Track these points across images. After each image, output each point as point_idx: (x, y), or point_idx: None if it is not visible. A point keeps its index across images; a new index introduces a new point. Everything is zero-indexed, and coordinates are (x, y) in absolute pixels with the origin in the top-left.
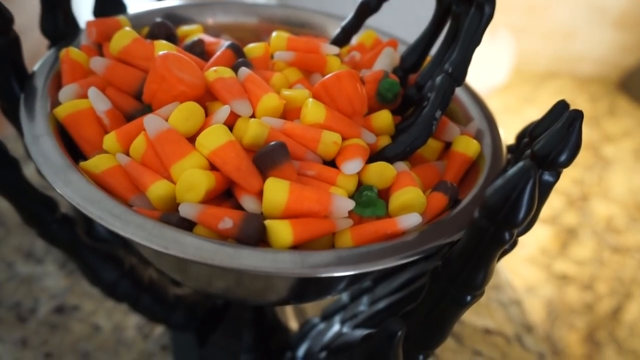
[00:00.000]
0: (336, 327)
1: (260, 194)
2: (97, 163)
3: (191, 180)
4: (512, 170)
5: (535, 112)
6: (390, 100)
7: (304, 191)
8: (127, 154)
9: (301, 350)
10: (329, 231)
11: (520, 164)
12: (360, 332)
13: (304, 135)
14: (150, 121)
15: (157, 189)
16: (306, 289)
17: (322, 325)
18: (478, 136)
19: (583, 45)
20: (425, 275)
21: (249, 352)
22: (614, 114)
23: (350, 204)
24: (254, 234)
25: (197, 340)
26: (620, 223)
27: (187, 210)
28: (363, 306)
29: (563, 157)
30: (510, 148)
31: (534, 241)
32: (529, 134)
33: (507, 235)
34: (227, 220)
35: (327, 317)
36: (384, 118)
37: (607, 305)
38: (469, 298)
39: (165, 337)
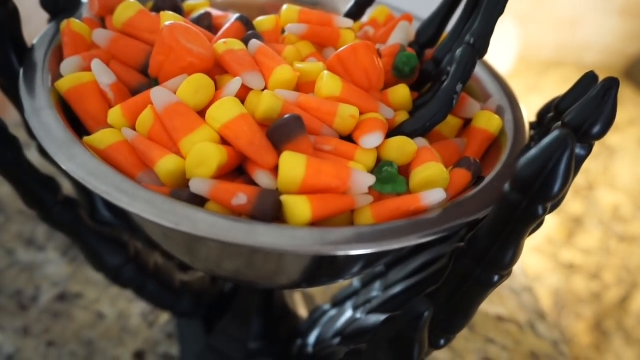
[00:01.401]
0: (349, 313)
1: (274, 170)
2: (101, 138)
3: (202, 154)
4: (547, 140)
5: (540, 100)
6: (407, 75)
7: (321, 165)
8: (134, 128)
9: (312, 338)
10: (348, 208)
11: (556, 132)
12: (376, 318)
13: (320, 109)
14: (158, 94)
15: (166, 163)
16: (320, 270)
17: (333, 312)
18: (499, 112)
19: (588, 34)
20: (441, 258)
21: (258, 340)
22: (619, 103)
23: (371, 179)
24: (270, 211)
25: (204, 328)
26: (627, 212)
27: (198, 186)
28: (376, 291)
29: (597, 128)
30: (531, 125)
31: (540, 230)
32: (554, 108)
33: (540, 210)
34: (241, 196)
35: (338, 303)
36: (401, 93)
37: (615, 295)
38: (496, 278)
39: (170, 325)
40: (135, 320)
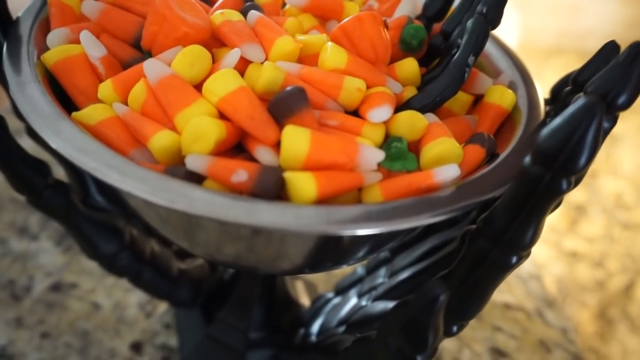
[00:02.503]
0: (353, 301)
1: (276, 146)
2: (91, 113)
3: (199, 129)
4: (572, 108)
5: (541, 88)
6: (415, 49)
7: (327, 140)
8: (125, 104)
9: (315, 326)
10: (356, 185)
11: (583, 99)
12: (383, 305)
13: (324, 82)
14: (151, 66)
15: (160, 139)
16: (324, 253)
17: (337, 300)
18: (511, 88)
19: (589, 21)
20: (449, 243)
21: (259, 330)
22: None
23: (380, 155)
24: (272, 188)
25: (203, 318)
26: (630, 199)
27: (194, 162)
28: (381, 278)
29: (623, 98)
30: (545, 101)
31: None
32: (572, 81)
33: (564, 184)
34: (241, 173)
35: (341, 291)
36: (409, 66)
37: (619, 282)
38: (514, 259)
39: (168, 315)
40: (132, 311)
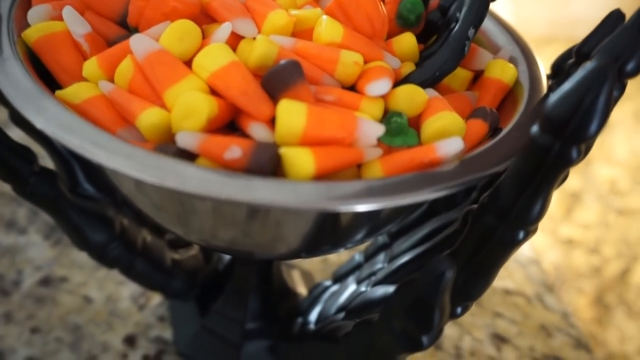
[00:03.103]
0: (352, 288)
1: (271, 122)
2: (76, 91)
3: (189, 104)
4: (582, 72)
5: None
6: (412, 23)
7: (324, 114)
8: (112, 81)
9: (313, 315)
10: (355, 161)
11: (593, 63)
12: (383, 289)
13: (320, 56)
14: (138, 41)
15: (149, 116)
16: (322, 235)
17: (335, 287)
18: (512, 63)
19: (579, 9)
20: (449, 225)
21: (256, 320)
22: None
23: (380, 129)
24: (268, 164)
25: (198, 309)
26: (624, 186)
27: (185, 139)
28: (380, 264)
29: (632, 64)
30: (547, 77)
31: None
32: (575, 53)
33: (575, 153)
34: (234, 149)
35: (339, 278)
36: (407, 42)
37: (615, 268)
38: (521, 235)
39: (162, 308)
40: (124, 304)
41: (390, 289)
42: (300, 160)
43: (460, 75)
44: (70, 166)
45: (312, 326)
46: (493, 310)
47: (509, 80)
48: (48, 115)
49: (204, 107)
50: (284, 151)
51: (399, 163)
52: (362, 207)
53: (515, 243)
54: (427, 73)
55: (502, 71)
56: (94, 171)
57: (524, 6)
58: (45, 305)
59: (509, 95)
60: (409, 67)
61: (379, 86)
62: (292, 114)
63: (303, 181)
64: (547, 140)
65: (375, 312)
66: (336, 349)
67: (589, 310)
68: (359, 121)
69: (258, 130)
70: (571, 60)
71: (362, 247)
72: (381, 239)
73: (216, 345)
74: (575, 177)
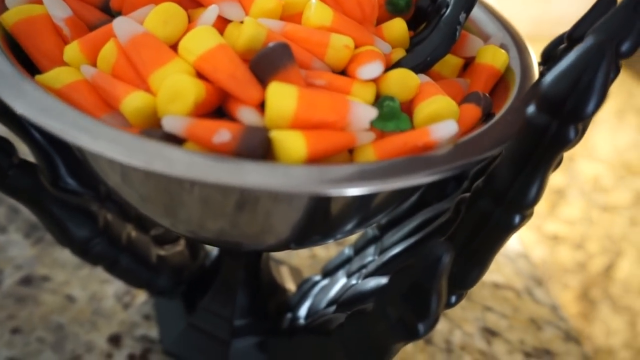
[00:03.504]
0: (342, 281)
1: (260, 107)
2: (56, 76)
3: (176, 87)
4: (579, 50)
5: None
6: (402, 9)
7: (315, 97)
8: (94, 66)
9: (302, 310)
10: (347, 145)
11: (590, 40)
12: (375, 281)
13: (309, 39)
14: (122, 24)
15: (134, 100)
16: (313, 224)
17: (324, 282)
18: (503, 49)
19: (561, 7)
20: (441, 216)
21: (244, 317)
22: None
23: (372, 113)
24: (258, 148)
25: (185, 307)
26: (607, 182)
27: (172, 123)
28: (370, 257)
29: (627, 45)
30: (539, 63)
31: None
32: (567, 38)
33: (572, 133)
34: (223, 133)
35: (329, 273)
36: (397, 27)
37: (600, 264)
38: (517, 219)
39: (147, 306)
40: (108, 302)
41: (382, 280)
42: (292, 143)
43: (451, 62)
44: (51, 159)
45: (301, 321)
46: (483, 304)
47: (500, 66)
48: (28, 99)
49: (190, 91)
50: (275, 134)
51: (392, 147)
52: (356, 191)
53: (512, 228)
54: (419, 58)
55: (493, 57)
56: (77, 163)
57: (506, 6)
58: (27, 305)
59: (501, 81)
60: (399, 53)
61: (371, 69)
62: (282, 96)
63: (295, 164)
64: (544, 120)
65: (367, 304)
66: (328, 342)
67: (575, 305)
68: (351, 104)
69: (247, 115)
70: (563, 46)
71: (352, 240)
72: (371, 231)
73: (204, 343)
74: (559, 174)
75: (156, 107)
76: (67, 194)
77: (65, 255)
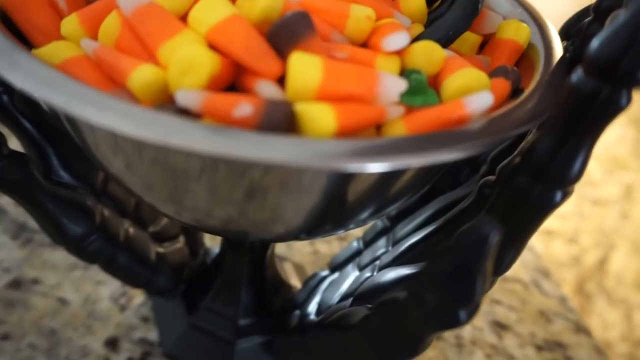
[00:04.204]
0: (353, 275)
1: (280, 80)
2: (54, 50)
3: (190, 59)
4: (632, 9)
5: None
6: None
7: (342, 68)
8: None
9: (311, 306)
10: (377, 120)
11: None
12: (395, 272)
13: (329, 10)
14: None
15: (142, 74)
16: (329, 210)
17: (333, 276)
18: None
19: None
20: (455, 204)
21: (249, 316)
22: None
23: (402, 84)
24: (282, 122)
25: (185, 307)
26: (597, 176)
27: (187, 97)
28: (382, 249)
29: None
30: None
31: None
32: (593, 10)
33: (625, 98)
34: (244, 106)
35: (337, 267)
36: (415, 1)
37: (593, 257)
38: (559, 196)
39: (145, 307)
40: (104, 305)
41: (401, 270)
42: (321, 116)
43: (470, 39)
44: (42, 150)
45: (312, 317)
46: (491, 297)
47: (523, 41)
48: (25, 71)
49: (206, 63)
50: (302, 107)
51: (424, 121)
52: (393, 165)
53: (552, 205)
54: (440, 32)
55: (516, 31)
56: (71, 154)
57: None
58: (16, 310)
59: (523, 57)
60: (417, 29)
61: (397, 39)
62: (306, 67)
63: (326, 139)
64: (593, 85)
65: (386, 296)
66: (348, 337)
67: (571, 299)
68: (379, 76)
69: (267, 89)
70: (589, 19)
71: (355, 235)
72: (380, 223)
73: (207, 344)
74: None
75: (167, 81)
76: (60, 188)
77: (56, 256)
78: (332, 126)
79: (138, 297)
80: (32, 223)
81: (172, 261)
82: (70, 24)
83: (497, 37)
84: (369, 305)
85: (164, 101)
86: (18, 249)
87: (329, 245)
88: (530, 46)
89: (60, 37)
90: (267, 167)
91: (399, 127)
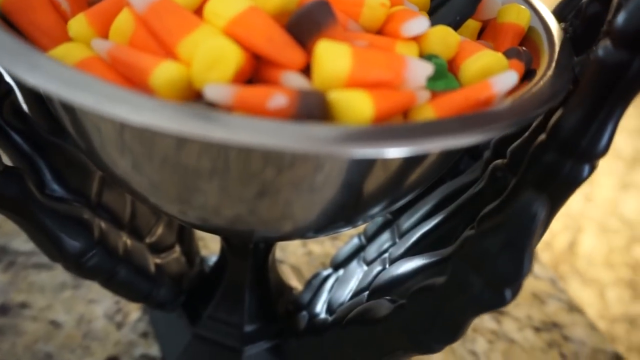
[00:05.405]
0: (360, 270)
1: (304, 71)
2: (66, 52)
3: (215, 53)
4: None
5: None
6: None
7: (369, 54)
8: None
9: (319, 306)
10: (408, 104)
11: None
12: (413, 263)
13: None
14: None
15: (166, 71)
16: (346, 204)
17: (338, 274)
18: None
19: None
20: (460, 191)
21: (254, 321)
22: None
23: (429, 68)
24: (318, 111)
25: (187, 317)
26: None
27: (217, 92)
28: (388, 242)
29: None
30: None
31: None
32: None
33: None
34: (279, 97)
35: (340, 265)
36: None
37: (564, 240)
38: (587, 170)
39: (143, 323)
40: (99, 324)
41: (418, 260)
42: (358, 103)
43: (470, 25)
44: (34, 164)
45: (323, 317)
46: None
47: (525, 24)
48: (45, 71)
49: (232, 56)
50: (337, 95)
51: (452, 104)
52: (452, 144)
53: (580, 180)
54: (448, 18)
55: (517, 15)
56: (64, 166)
57: None
58: (7, 337)
59: (525, 39)
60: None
61: (417, 25)
62: (335, 55)
63: (362, 124)
64: (623, 57)
65: (404, 288)
66: (376, 330)
67: None
68: (406, 60)
69: (294, 80)
70: (584, 0)
71: (351, 234)
72: (382, 217)
73: (213, 354)
74: None
75: (191, 76)
76: (56, 202)
77: (43, 277)
78: (370, 113)
79: (134, 312)
80: (14, 244)
81: (170, 272)
82: (79, 24)
83: (499, 22)
84: (388, 298)
85: (187, 97)
86: (1, 273)
87: (322, 246)
88: (531, 29)
89: (66, 39)
90: (291, 161)
91: (428, 111)
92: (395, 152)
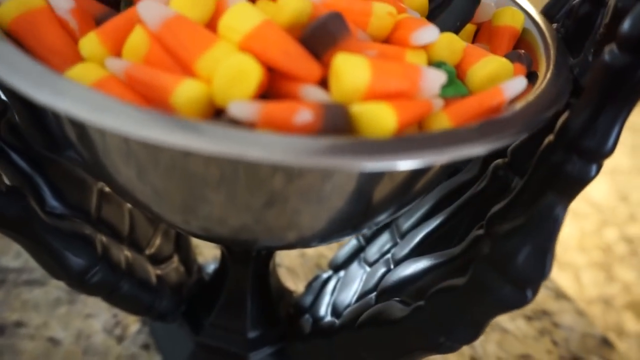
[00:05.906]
0: (362, 271)
1: (322, 83)
2: (83, 73)
3: (237, 69)
4: None
5: None
6: None
7: (386, 66)
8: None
9: (322, 309)
10: (426, 113)
11: None
12: (422, 263)
13: (352, 9)
14: (149, 7)
15: (188, 89)
16: (353, 213)
17: (339, 276)
18: None
19: None
20: (460, 189)
21: (258, 327)
22: None
23: (442, 77)
24: (342, 125)
25: (189, 327)
26: None
27: (242, 109)
28: (389, 243)
29: None
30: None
31: None
32: None
33: None
34: (304, 112)
35: (340, 266)
36: None
37: None
38: (594, 170)
39: (143, 335)
40: (99, 338)
41: (425, 261)
42: (382, 115)
43: (466, 28)
44: (32, 180)
45: (328, 320)
46: None
47: (520, 26)
48: (72, 96)
49: (254, 72)
50: (359, 108)
51: (466, 110)
52: (469, 154)
53: (588, 180)
54: (448, 23)
55: (512, 18)
56: (62, 183)
57: None
58: (6, 357)
59: (520, 41)
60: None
61: (428, 33)
62: (354, 68)
63: (385, 137)
64: (629, 62)
65: (414, 289)
66: (391, 331)
67: None
68: (421, 70)
69: (313, 93)
70: (576, 1)
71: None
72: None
73: None
74: None
75: (213, 94)
76: (56, 220)
77: (36, 294)
78: (393, 124)
79: (133, 325)
80: (3, 261)
81: (171, 282)
82: (90, 43)
83: (494, 25)
84: (398, 299)
85: (207, 115)
86: None
87: (314, 248)
88: (525, 31)
89: (76, 57)
90: (300, 170)
91: (443, 119)
92: (417, 163)
